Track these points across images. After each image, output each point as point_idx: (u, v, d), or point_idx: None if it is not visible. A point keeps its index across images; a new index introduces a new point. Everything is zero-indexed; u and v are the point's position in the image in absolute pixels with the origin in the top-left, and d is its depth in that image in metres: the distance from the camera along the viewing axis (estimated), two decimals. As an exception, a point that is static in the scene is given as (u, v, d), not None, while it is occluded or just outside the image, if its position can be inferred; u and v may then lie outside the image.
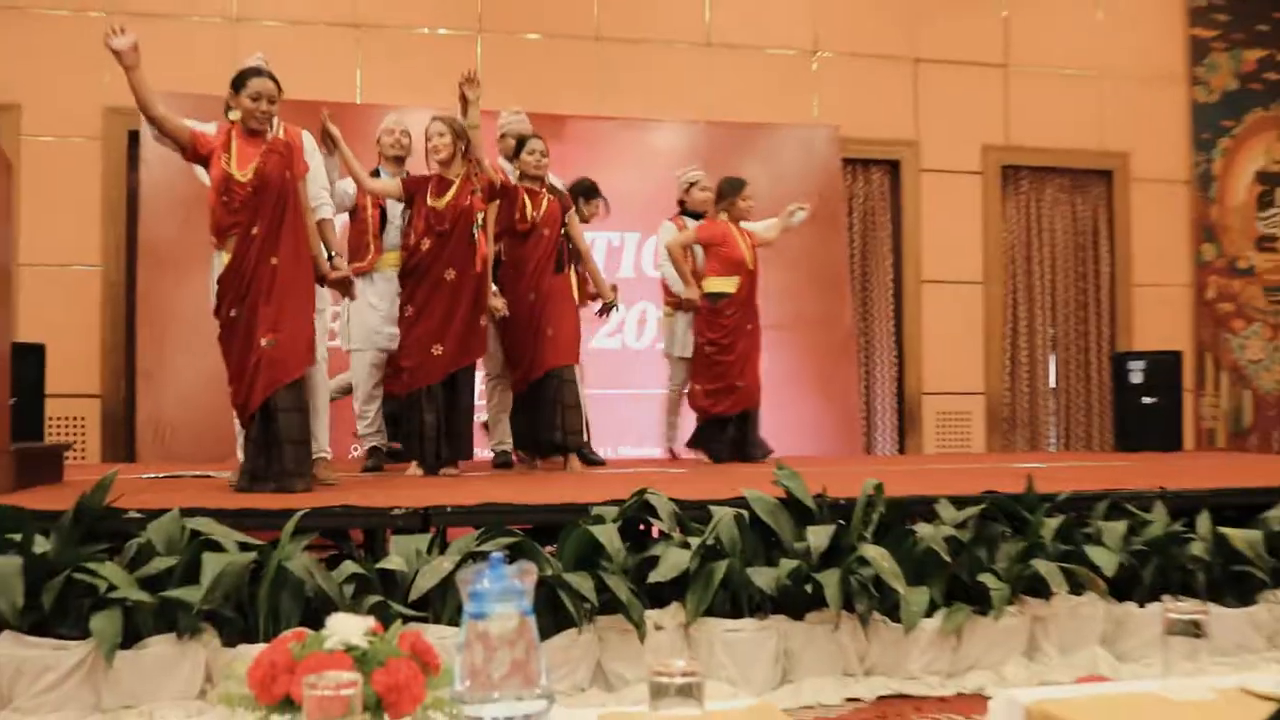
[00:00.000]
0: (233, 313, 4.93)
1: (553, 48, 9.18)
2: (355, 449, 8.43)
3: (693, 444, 7.47)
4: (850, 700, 3.92)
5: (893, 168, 9.93)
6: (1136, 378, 8.94)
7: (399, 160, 6.60)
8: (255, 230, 4.93)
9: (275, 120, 5.21)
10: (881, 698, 3.95)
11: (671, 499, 4.20)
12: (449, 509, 4.22)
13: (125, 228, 8.41)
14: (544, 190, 6.60)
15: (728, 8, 9.54)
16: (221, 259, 5.03)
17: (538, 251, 6.51)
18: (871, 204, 9.85)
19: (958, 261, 9.89)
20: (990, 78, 10.04)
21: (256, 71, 5.16)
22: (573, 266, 6.84)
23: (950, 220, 9.86)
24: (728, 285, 7.19)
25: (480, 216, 6.07)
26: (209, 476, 5.80)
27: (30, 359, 6.50)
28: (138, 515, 3.83)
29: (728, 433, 7.23)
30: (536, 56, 9.14)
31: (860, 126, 9.64)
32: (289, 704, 1.65)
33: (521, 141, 6.61)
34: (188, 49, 8.35)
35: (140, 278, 8.14)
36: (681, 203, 7.72)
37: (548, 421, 6.45)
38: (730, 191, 7.30)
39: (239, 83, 5.14)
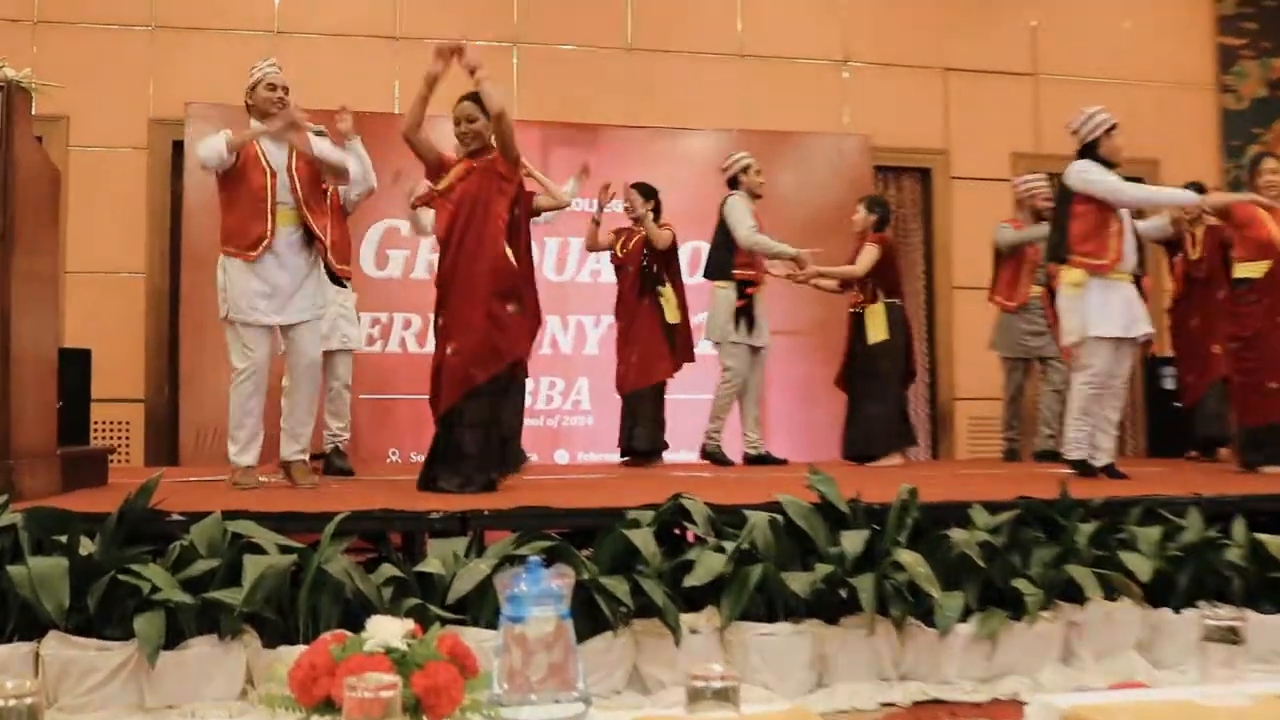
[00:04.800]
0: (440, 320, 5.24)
1: (587, 58, 9.19)
2: (394, 453, 8.48)
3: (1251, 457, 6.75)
4: (885, 705, 3.88)
5: (923, 175, 9.90)
6: (1169, 383, 8.85)
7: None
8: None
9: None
10: (917, 703, 3.91)
11: (706, 503, 4.18)
12: (486, 512, 4.21)
13: (169, 235, 8.49)
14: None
15: (759, 19, 9.53)
16: (231, 264, 5.39)
17: (623, 284, 7.69)
18: (903, 211, 9.82)
19: (989, 268, 9.81)
20: (1019, 86, 9.99)
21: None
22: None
23: (981, 227, 9.77)
24: (1255, 270, 6.75)
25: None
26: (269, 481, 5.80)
27: (76, 364, 6.54)
28: (180, 518, 3.84)
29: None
30: (571, 67, 9.16)
31: (891, 135, 9.61)
32: (329, 705, 1.63)
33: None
34: (230, 61, 8.38)
35: (183, 284, 8.19)
36: (732, 182, 7.78)
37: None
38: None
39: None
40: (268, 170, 5.47)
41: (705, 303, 7.94)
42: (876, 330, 7.75)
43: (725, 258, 7.69)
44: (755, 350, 7.81)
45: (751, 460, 7.82)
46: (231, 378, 5.46)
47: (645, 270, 7.70)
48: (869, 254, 7.72)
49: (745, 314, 7.64)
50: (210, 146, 5.40)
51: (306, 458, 5.66)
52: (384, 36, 8.78)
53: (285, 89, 5.60)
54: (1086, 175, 6.21)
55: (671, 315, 7.64)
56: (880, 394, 7.75)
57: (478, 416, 5.15)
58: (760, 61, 9.50)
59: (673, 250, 7.73)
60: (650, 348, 7.65)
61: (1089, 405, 6.17)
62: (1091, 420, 6.17)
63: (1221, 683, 1.94)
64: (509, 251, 5.28)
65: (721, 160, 7.98)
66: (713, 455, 7.81)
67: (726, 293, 7.67)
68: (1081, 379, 6.20)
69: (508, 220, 5.30)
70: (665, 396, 7.73)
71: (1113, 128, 6.33)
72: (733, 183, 7.78)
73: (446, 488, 5.05)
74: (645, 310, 7.67)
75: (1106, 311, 6.10)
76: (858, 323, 7.89)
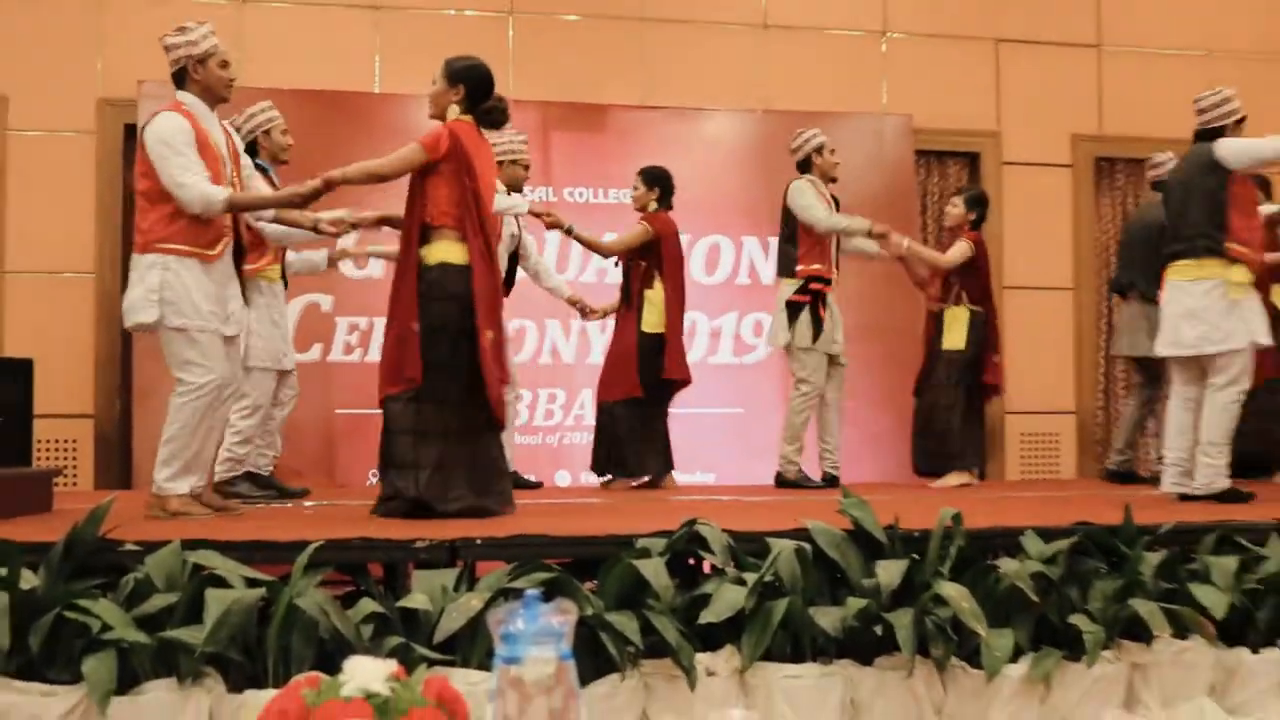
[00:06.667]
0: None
1: (592, 30, 9.22)
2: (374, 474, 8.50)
3: None
4: (926, 756, 3.91)
5: (972, 161, 9.91)
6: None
7: None
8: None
9: None
10: (961, 753, 3.94)
11: (725, 530, 4.20)
12: (478, 541, 4.23)
13: (120, 231, 8.43)
14: None
15: (786, -16, 9.56)
16: (181, 264, 5.24)
17: None
18: (948, 201, 9.83)
19: (1046, 265, 9.84)
20: (1081, 59, 10.00)
21: None
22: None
23: (1037, 219, 9.82)
24: None
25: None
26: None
27: (16, 376, 6.56)
28: (135, 548, 3.85)
29: None
30: (574, 40, 9.18)
31: (935, 115, 9.63)
32: (302, 756, 1.66)
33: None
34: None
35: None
36: (803, 165, 7.79)
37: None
38: None
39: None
40: (221, 158, 5.44)
41: (740, 306, 7.93)
42: (954, 337, 7.79)
43: (790, 251, 7.69)
44: (831, 359, 7.79)
45: (831, 481, 7.77)
46: (179, 391, 5.32)
47: (629, 270, 7.75)
48: (960, 248, 7.78)
49: (811, 314, 7.60)
50: (205, 198, 5.21)
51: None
52: (364, 6, 8.81)
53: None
54: (1250, 148, 6.28)
55: (652, 323, 7.68)
56: (949, 405, 7.78)
57: (395, 424, 5.31)
58: (788, 33, 9.52)
59: (662, 247, 7.75)
60: (617, 360, 7.71)
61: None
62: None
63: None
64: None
65: (788, 139, 7.91)
66: (792, 483, 7.71)
67: (787, 292, 7.67)
68: (1234, 393, 6.24)
69: None
70: (657, 412, 7.74)
71: (1242, 120, 6.43)
72: (804, 165, 7.77)
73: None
74: (626, 316, 7.74)
75: (1263, 316, 6.21)
76: (937, 324, 7.92)
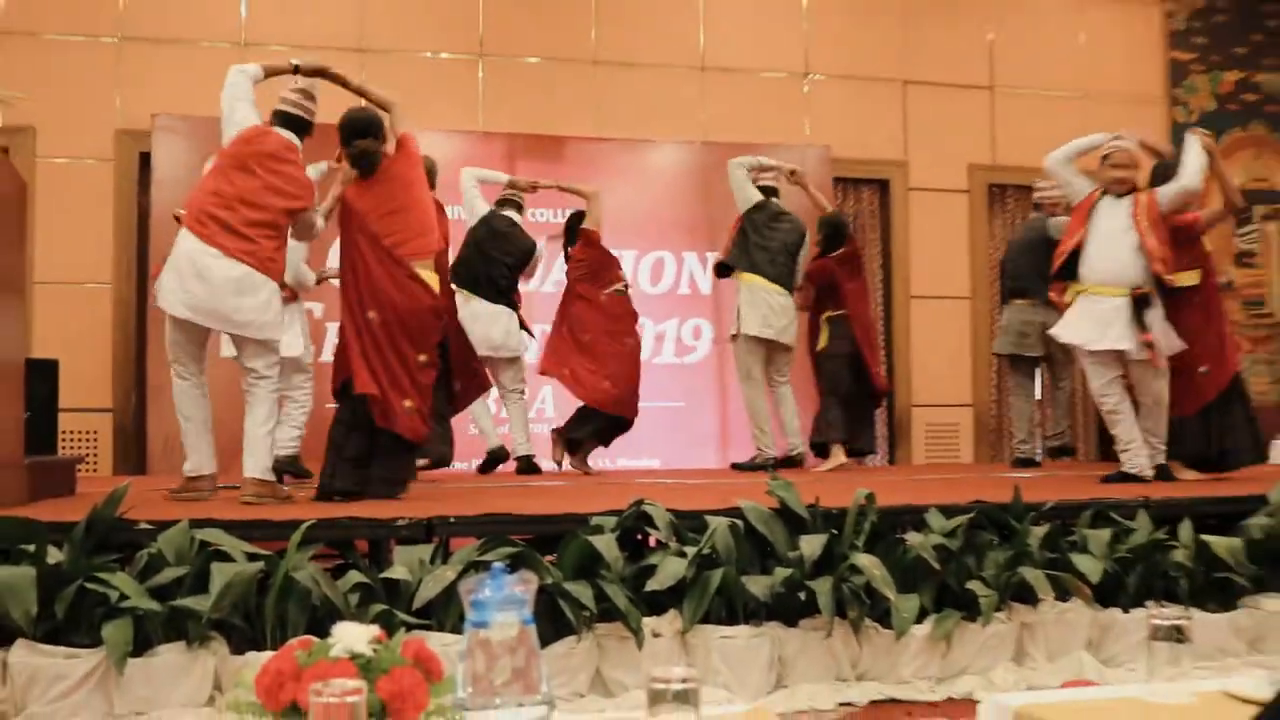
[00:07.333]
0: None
1: (552, 71, 9.19)
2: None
3: None
4: (843, 705, 3.91)
5: (882, 187, 9.94)
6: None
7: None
8: None
9: None
10: (873, 702, 3.95)
11: (668, 509, 4.20)
12: (452, 519, 4.21)
13: (136, 246, 8.40)
14: None
15: (721, 32, 9.56)
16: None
17: None
18: (862, 222, 9.86)
19: (946, 277, 9.89)
20: (977, 99, 10.06)
21: None
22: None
23: (938, 237, 9.87)
24: None
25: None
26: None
27: (44, 375, 6.48)
28: (148, 526, 3.83)
29: None
30: (536, 79, 9.16)
31: (851, 146, 9.65)
32: (295, 711, 1.64)
33: None
34: (197, 73, 8.36)
35: (150, 294, 8.13)
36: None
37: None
38: None
39: None
40: None
41: (681, 313, 7.87)
42: (821, 340, 7.79)
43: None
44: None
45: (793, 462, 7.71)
46: (266, 384, 5.11)
47: None
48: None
49: None
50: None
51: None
52: (351, 49, 8.75)
53: None
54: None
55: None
56: (823, 394, 7.83)
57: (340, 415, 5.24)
58: (723, 74, 9.53)
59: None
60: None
61: None
62: None
63: (1167, 680, 1.97)
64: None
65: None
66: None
67: None
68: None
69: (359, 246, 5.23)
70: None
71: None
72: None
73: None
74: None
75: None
76: (813, 330, 7.91)
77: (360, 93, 5.50)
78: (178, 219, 5.26)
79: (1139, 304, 5.92)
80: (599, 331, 7.47)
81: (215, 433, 5.31)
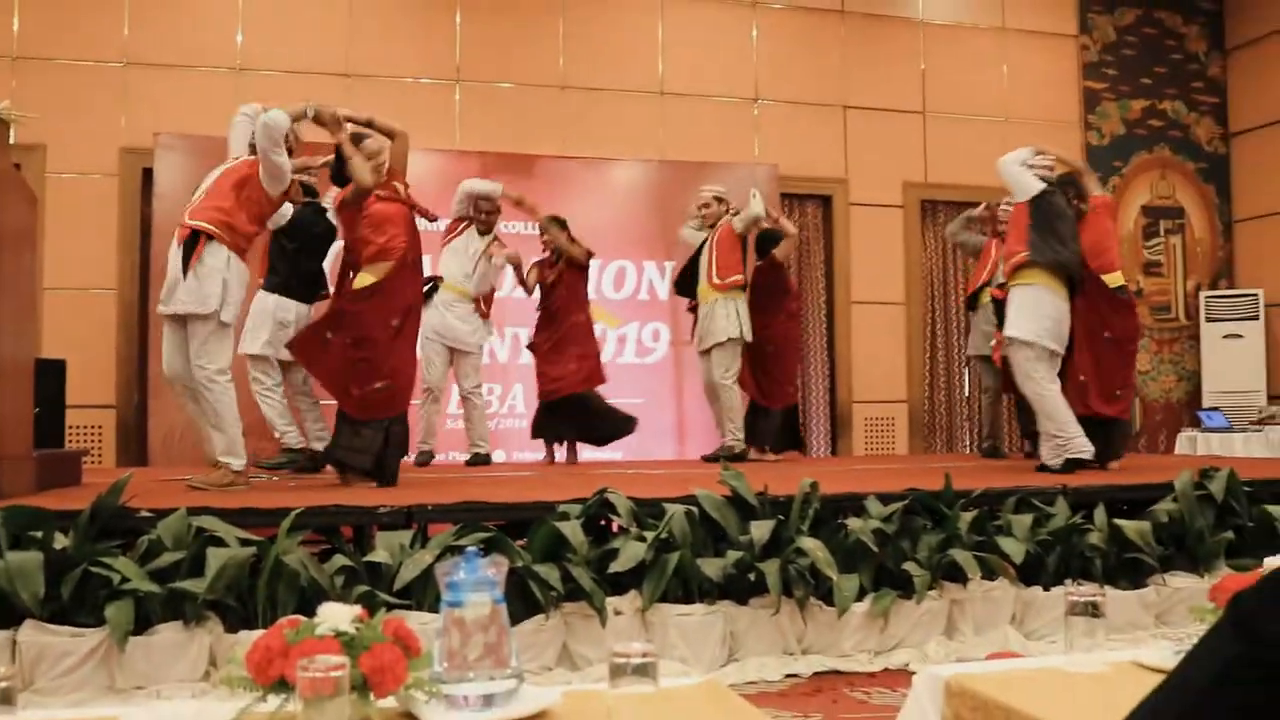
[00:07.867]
0: None
1: (523, 95, 9.16)
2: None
3: None
4: (790, 676, 3.92)
5: (825, 202, 9.96)
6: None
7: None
8: None
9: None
10: (817, 674, 3.96)
11: (629, 497, 4.19)
12: (430, 507, 4.19)
13: (138, 254, 8.32)
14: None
15: (678, 61, 9.56)
16: (236, 262, 4.99)
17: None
18: (806, 234, 9.87)
19: (883, 285, 9.93)
20: (911, 123, 10.10)
21: None
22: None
23: (876, 248, 9.90)
24: None
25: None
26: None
27: (52, 373, 6.41)
28: (148, 514, 3.78)
29: None
30: (509, 103, 9.12)
31: (796, 165, 9.67)
32: (283, 685, 1.62)
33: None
34: (196, 95, 8.30)
35: (151, 299, 8.02)
36: None
37: None
38: None
39: None
40: None
41: (641, 317, 7.85)
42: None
43: None
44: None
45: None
46: (218, 379, 4.97)
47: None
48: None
49: None
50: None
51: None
52: (337, 74, 8.70)
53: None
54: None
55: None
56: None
57: None
58: (680, 99, 9.52)
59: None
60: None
61: None
62: None
63: (1084, 652, 1.98)
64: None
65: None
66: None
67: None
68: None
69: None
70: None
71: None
72: None
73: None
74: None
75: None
76: None
77: (369, 124, 5.53)
78: None
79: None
80: (557, 331, 7.58)
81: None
